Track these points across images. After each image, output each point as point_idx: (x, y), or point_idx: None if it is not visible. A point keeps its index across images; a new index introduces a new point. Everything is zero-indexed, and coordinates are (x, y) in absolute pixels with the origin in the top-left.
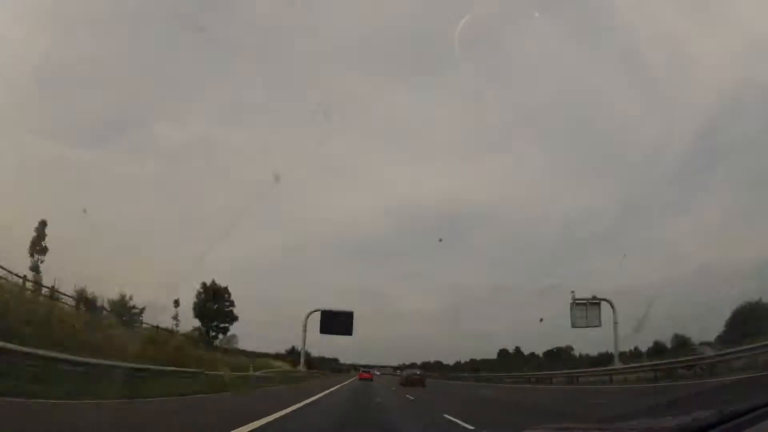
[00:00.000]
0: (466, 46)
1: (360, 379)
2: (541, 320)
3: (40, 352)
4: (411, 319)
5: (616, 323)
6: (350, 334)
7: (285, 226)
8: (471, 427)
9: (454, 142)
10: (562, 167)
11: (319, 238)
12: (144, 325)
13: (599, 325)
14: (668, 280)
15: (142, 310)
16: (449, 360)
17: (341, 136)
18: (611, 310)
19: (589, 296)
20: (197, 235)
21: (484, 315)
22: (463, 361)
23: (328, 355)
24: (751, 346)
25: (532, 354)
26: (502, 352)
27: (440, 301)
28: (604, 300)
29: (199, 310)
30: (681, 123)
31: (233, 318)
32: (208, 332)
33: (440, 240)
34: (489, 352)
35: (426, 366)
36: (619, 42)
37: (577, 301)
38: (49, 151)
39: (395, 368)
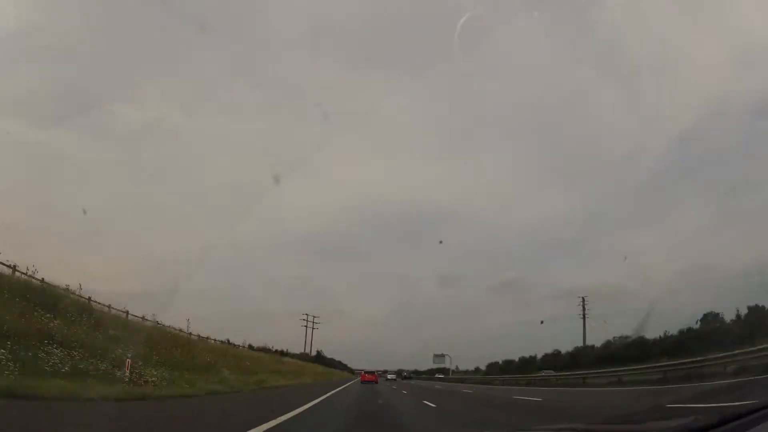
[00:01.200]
0: (443, 45)
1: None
2: (542, 322)
3: None
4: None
5: None
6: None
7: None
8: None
9: (423, 141)
10: (536, 170)
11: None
12: None
13: None
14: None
15: None
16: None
17: (312, 130)
18: None
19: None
20: (158, 227)
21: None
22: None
23: None
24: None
25: None
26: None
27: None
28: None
29: None
30: (657, 130)
31: None
32: None
33: (441, 242)
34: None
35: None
36: (600, 48)
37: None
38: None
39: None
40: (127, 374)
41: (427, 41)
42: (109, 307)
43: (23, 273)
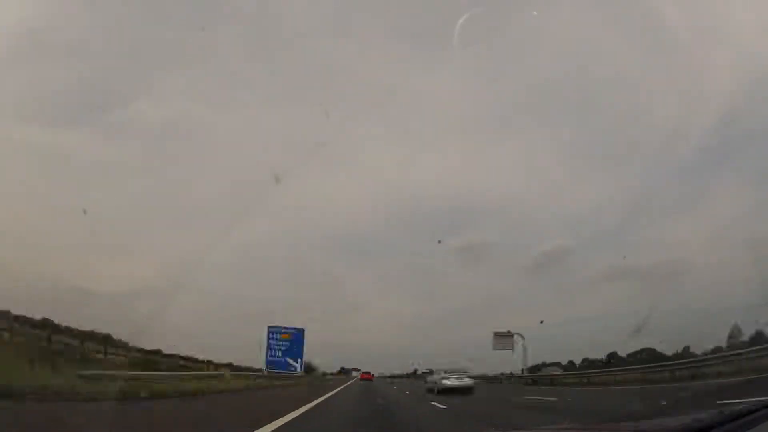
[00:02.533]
0: (470, 18)
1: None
2: (541, 322)
3: None
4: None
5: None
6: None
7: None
8: None
9: (453, 127)
10: (574, 156)
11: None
12: None
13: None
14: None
15: None
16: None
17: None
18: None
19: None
20: (173, 228)
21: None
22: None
23: None
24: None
25: None
26: None
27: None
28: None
29: None
30: (705, 106)
31: None
32: None
33: (439, 241)
34: None
35: None
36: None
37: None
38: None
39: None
40: None
41: (454, 15)
42: None
43: None
